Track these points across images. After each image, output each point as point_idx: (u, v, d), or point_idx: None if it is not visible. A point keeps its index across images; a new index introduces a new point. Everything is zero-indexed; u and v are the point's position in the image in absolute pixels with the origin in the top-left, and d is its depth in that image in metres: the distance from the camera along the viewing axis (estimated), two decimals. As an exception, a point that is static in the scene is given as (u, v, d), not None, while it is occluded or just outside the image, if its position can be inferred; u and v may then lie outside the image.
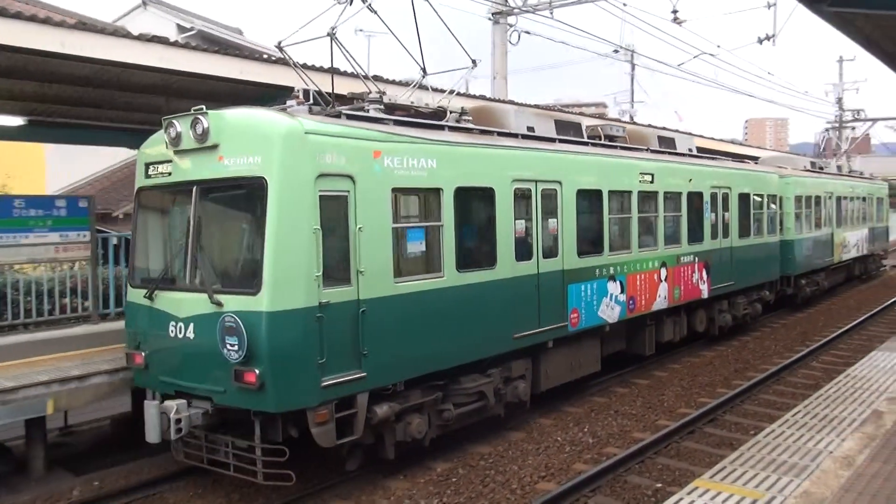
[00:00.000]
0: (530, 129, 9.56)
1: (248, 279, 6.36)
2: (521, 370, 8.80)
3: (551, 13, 14.75)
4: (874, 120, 45.40)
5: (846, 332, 14.81)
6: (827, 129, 46.91)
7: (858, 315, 17.23)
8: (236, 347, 6.13)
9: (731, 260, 14.34)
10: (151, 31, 10.25)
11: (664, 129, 15.31)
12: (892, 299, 19.47)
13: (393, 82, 9.55)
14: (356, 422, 6.69)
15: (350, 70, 8.58)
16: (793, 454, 5.79)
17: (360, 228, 6.58)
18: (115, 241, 9.95)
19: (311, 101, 7.14)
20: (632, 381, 11.02)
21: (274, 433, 6.48)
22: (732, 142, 15.18)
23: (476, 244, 8.07)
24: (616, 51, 29.03)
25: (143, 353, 7.14)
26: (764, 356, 12.70)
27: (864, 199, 25.82)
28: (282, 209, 6.12)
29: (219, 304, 6.32)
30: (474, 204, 8.03)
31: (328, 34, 7.53)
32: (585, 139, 10.47)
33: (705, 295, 13.12)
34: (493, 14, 14.47)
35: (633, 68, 39.59)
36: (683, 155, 13.16)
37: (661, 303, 11.67)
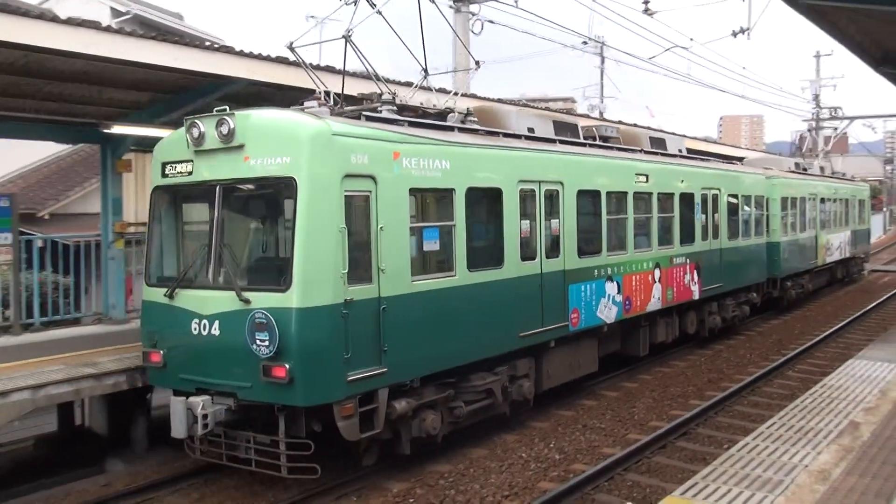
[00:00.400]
0: (531, 129, 10.63)
1: (278, 276, 7.22)
2: (525, 369, 9.84)
3: (516, 2, 14.62)
4: (851, 118, 44.81)
5: (823, 340, 15.73)
6: (810, 130, 48.51)
7: (836, 322, 18.31)
8: (266, 343, 6.97)
9: (721, 262, 15.73)
10: (82, 14, 10.78)
11: (656, 129, 16.61)
12: (870, 305, 20.73)
13: (394, 82, 10.49)
14: (377, 416, 7.59)
15: (349, 70, 9.45)
16: (767, 468, 5.82)
17: (381, 228, 7.50)
18: (40, 243, 9.96)
19: (332, 102, 8.01)
20: (601, 392, 11.30)
21: (297, 428, 7.33)
22: (706, 139, 16.10)
23: (485, 244, 9.08)
24: (585, 42, 29.74)
25: (161, 352, 7.90)
26: (739, 365, 13.43)
27: (846, 200, 27.87)
28: (311, 208, 7.00)
29: (246, 301, 7.15)
30: (484, 204, 9.04)
31: (343, 37, 8.43)
32: (582, 140, 11.57)
33: (696, 296, 14.45)
34: (454, 2, 14.83)
35: (602, 61, 39.83)
36: (675, 156, 14.47)
37: (654, 304, 12.91)
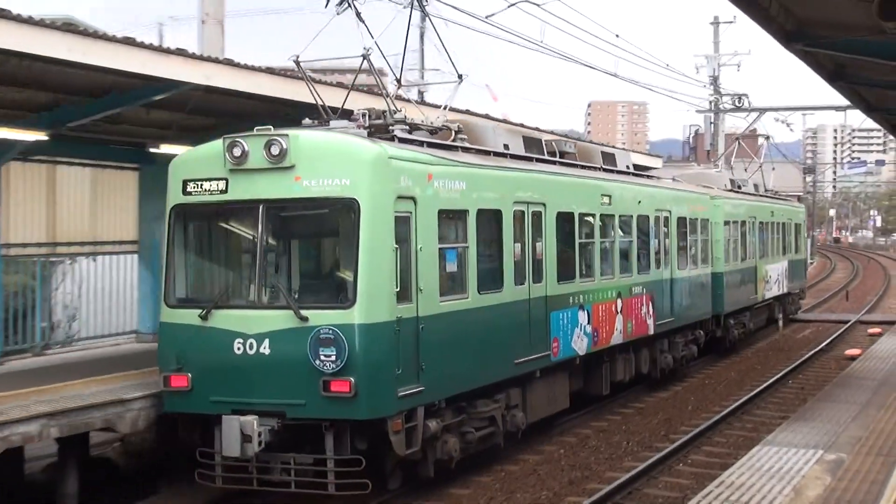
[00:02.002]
0: (506, 146, 15.37)
1: (339, 294, 11.31)
2: (517, 398, 14.47)
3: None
4: (761, 110, 48.25)
5: (724, 418, 17.66)
6: (712, 124, 51.77)
7: (740, 392, 20.76)
8: (333, 357, 10.99)
9: (672, 293, 21.34)
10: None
11: (604, 145, 22.00)
12: (785, 369, 23.49)
13: (372, 92, 14.82)
14: (415, 435, 11.81)
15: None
16: None
17: (420, 248, 11.82)
18: None
19: (369, 123, 12.23)
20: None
21: (342, 447, 11.36)
22: (568, 137, 18.02)
23: (489, 266, 13.67)
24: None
25: (188, 375, 11.60)
26: (611, 459, 14.98)
27: (783, 225, 35.44)
28: (372, 229, 11.18)
29: (304, 318, 11.14)
30: (489, 226, 13.64)
31: (362, 55, 12.72)
32: (547, 156, 16.46)
33: (651, 331, 19.83)
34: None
35: (423, 18, 37.31)
36: (627, 174, 19.83)
37: (617, 337, 18.13)
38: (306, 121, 12.99)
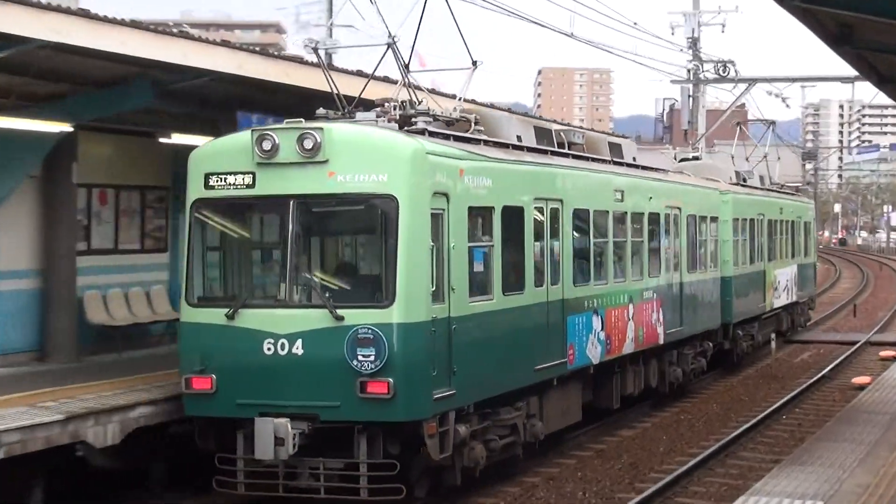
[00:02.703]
0: (519, 138, 17.94)
1: (377, 292, 13.78)
2: (535, 407, 17.06)
3: None
4: (751, 81, 49.36)
5: (705, 461, 17.97)
6: (691, 97, 52.38)
7: (724, 429, 21.29)
8: (372, 358, 13.45)
9: (681, 299, 24.18)
10: None
11: (608, 133, 24.73)
12: (779, 402, 23.99)
13: (386, 80, 17.32)
14: (447, 439, 14.34)
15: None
16: None
17: (452, 246, 14.34)
18: None
19: (395, 113, 14.69)
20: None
21: (374, 451, 13.84)
22: (511, 111, 21.05)
23: (512, 266, 16.23)
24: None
25: (212, 377, 13.98)
26: None
27: (791, 223, 38.64)
28: (411, 226, 13.65)
29: (340, 318, 13.59)
30: (512, 224, 16.23)
31: (388, 43, 15.22)
32: (556, 148, 19.08)
33: (662, 340, 22.60)
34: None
35: None
36: (637, 167, 22.58)
37: (629, 345, 20.88)
38: (321, 111, 15.41)
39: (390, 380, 13.51)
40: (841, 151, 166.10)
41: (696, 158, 33.28)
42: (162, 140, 20.89)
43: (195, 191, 14.52)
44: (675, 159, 30.21)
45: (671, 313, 23.36)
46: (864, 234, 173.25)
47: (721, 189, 28.81)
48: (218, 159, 14.44)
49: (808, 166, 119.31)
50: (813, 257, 43.76)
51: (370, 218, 14.32)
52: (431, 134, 14.96)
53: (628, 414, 22.58)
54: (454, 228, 14.52)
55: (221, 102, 19.07)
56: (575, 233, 18.42)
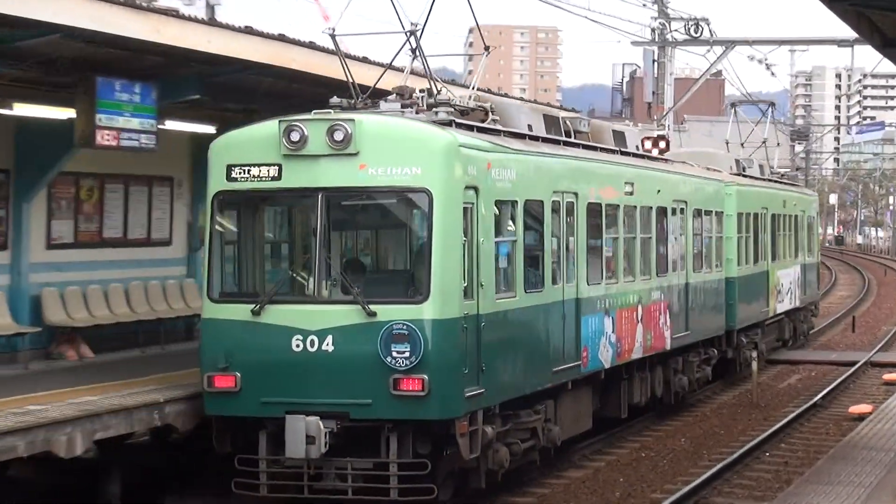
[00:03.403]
0: (530, 127, 21.17)
1: (410, 288, 16.87)
2: (551, 412, 20.26)
3: None
4: (729, 43, 50.08)
5: None
6: (656, 61, 52.06)
7: (693, 470, 21.79)
8: (406, 354, 16.51)
9: (687, 301, 27.59)
10: None
11: (611, 119, 27.97)
12: (762, 435, 24.60)
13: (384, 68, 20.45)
14: (476, 439, 17.47)
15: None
16: None
17: (482, 241, 17.49)
18: None
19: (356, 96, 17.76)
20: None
21: (403, 452, 16.94)
22: (433, 78, 20.65)
23: (533, 263, 19.42)
24: None
25: (236, 374, 16.99)
26: None
27: (795, 218, 42.33)
28: (445, 220, 16.73)
29: (372, 314, 16.66)
30: (533, 218, 19.42)
31: (408, 31, 18.35)
32: (564, 137, 22.35)
33: (668, 345, 25.96)
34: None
35: None
36: (643, 157, 26.03)
37: (637, 350, 24.26)
38: (334, 99, 18.44)
39: (425, 377, 16.57)
40: (838, 130, 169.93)
41: (661, 137, 34.98)
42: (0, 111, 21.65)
43: (216, 182, 17.48)
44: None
45: (677, 316, 26.81)
46: (864, 229, 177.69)
47: (725, 181, 32.34)
48: (241, 150, 17.42)
49: (799, 148, 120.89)
50: (816, 257, 47.62)
51: (403, 212, 17.42)
52: (458, 125, 18.07)
53: (635, 425, 25.90)
54: (483, 223, 17.64)
55: (75, 65, 20.36)
56: (589, 228, 21.65)
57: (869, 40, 18.89)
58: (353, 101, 18.40)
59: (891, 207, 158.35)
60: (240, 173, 17.34)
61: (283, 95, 24.90)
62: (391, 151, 16.99)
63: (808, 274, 44.74)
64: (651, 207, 25.20)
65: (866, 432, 20.77)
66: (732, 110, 45.98)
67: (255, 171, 17.27)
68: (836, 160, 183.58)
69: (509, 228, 18.75)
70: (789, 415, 27.48)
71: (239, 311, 17.19)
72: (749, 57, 56.42)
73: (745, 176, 36.66)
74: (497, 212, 18.27)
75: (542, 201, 19.75)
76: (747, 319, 33.92)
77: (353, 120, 16.98)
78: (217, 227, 17.61)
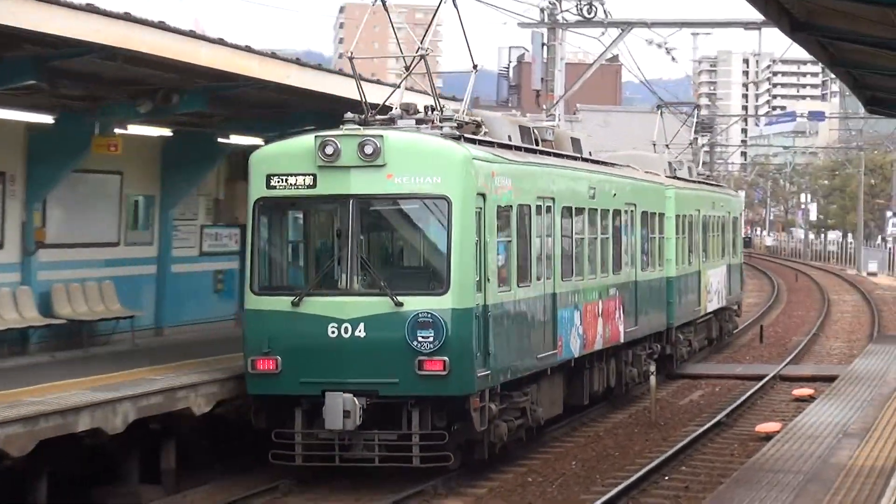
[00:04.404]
0: (510, 137, 26.77)
1: (433, 281, 22.37)
2: (535, 395, 25.85)
3: None
4: (625, 25, 51.93)
5: None
6: (545, 45, 56.14)
7: (587, 496, 22.96)
8: (431, 339, 21.93)
9: (636, 298, 33.46)
10: None
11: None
12: (660, 457, 25.70)
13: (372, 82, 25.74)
14: (485, 414, 23.00)
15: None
16: None
17: (488, 241, 23.07)
18: None
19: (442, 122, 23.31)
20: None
21: (423, 424, 22.43)
22: (298, 63, 28.32)
23: (523, 260, 25.03)
24: None
25: (277, 358, 22.34)
26: None
27: (722, 219, 48.53)
28: (462, 223, 22.22)
29: (400, 304, 22.11)
30: (523, 221, 25.04)
31: (420, 55, 23.81)
32: (534, 145, 28.00)
33: (622, 338, 31.81)
34: None
35: None
36: (598, 163, 31.85)
37: (599, 341, 30.03)
38: (348, 115, 23.67)
39: (446, 358, 21.85)
40: (745, 121, 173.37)
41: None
42: None
43: (257, 190, 22.70)
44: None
45: (629, 312, 32.58)
46: (791, 230, 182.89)
47: (665, 183, 38.32)
48: (279, 161, 22.66)
49: (702, 141, 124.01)
50: (740, 257, 54.04)
51: (425, 215, 22.71)
52: (466, 140, 23.47)
53: (591, 412, 31.43)
54: (488, 225, 22.98)
55: None
56: (563, 229, 27.21)
57: (777, 23, 19.20)
58: (364, 117, 23.68)
59: (802, 206, 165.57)
60: (278, 182, 22.56)
61: (133, 82, 26.83)
62: (415, 163, 22.30)
63: (733, 274, 51.11)
64: (608, 210, 30.89)
65: (773, 453, 21.78)
66: (659, 112, 52.04)
67: (292, 180, 22.50)
68: (744, 154, 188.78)
69: (506, 230, 24.17)
70: (691, 434, 28.82)
71: (279, 303, 22.42)
72: (647, 41, 55.56)
73: (678, 178, 42.58)
74: (498, 215, 23.70)
75: (530, 205, 25.21)
76: (683, 317, 39.93)
77: (381, 136, 22.26)
78: (257, 229, 22.82)
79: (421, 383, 22.11)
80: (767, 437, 26.19)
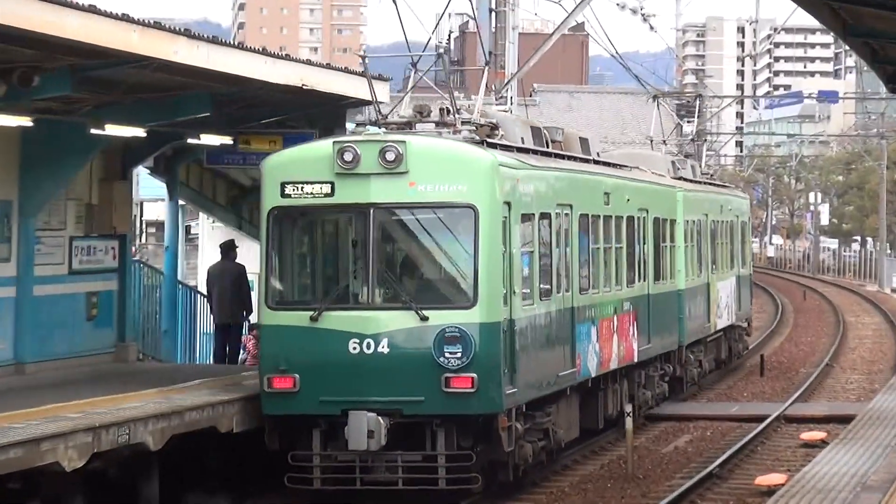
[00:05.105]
0: (522, 139, 31.35)
1: (459, 294, 26.83)
2: (556, 415, 30.43)
3: None
4: None
5: None
6: (493, 10, 55.79)
7: None
8: (458, 355, 26.30)
9: (649, 312, 38.07)
10: None
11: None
12: None
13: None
14: (512, 434, 27.51)
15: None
16: None
17: (513, 251, 27.63)
18: None
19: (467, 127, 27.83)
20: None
21: (448, 444, 26.93)
22: (187, 34, 27.51)
23: (545, 272, 29.58)
24: None
25: (294, 376, 26.74)
26: None
27: (731, 224, 53.12)
28: (489, 232, 26.55)
29: (425, 318, 26.60)
30: (544, 230, 29.57)
31: (438, 54, 28.38)
32: (546, 147, 32.62)
33: (636, 357, 36.42)
34: None
35: None
36: (607, 164, 36.52)
37: (614, 360, 34.67)
38: (359, 117, 28.11)
39: (474, 375, 25.94)
40: (740, 104, 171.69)
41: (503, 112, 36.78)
42: None
43: (271, 199, 26.80)
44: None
45: (642, 329, 37.18)
46: (777, 239, 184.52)
47: (674, 186, 43.04)
48: (294, 168, 26.80)
49: (687, 126, 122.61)
50: (749, 267, 58.94)
51: (450, 225, 26.83)
52: (489, 145, 27.89)
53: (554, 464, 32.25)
54: (513, 234, 27.22)
55: None
56: (580, 238, 31.68)
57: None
58: (376, 120, 28.01)
59: (811, 208, 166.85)
60: (293, 190, 26.69)
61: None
62: (439, 170, 26.46)
63: (742, 287, 55.85)
64: (622, 217, 35.45)
65: (777, 513, 21.68)
66: (655, 103, 56.21)
67: (308, 188, 26.63)
68: (739, 144, 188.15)
69: (529, 240, 28.54)
70: (676, 490, 29.19)
71: (297, 318, 26.56)
72: (620, 4, 59.60)
73: (683, 179, 47.07)
74: (522, 224, 28.12)
75: (550, 213, 29.65)
76: (694, 335, 44.56)
77: (403, 141, 26.43)
78: (272, 240, 27.02)
79: (447, 401, 26.22)
80: (770, 491, 27.17)
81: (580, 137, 35.93)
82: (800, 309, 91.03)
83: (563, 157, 32.66)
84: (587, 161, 34.69)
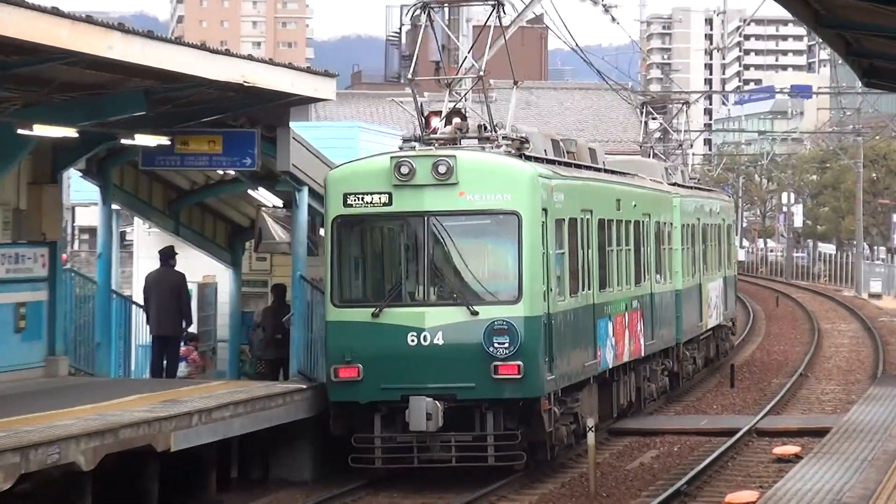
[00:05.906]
0: (545, 151, 37.64)
1: (507, 291, 33.06)
2: (583, 401, 36.67)
3: None
4: None
5: None
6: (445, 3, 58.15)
7: None
8: (506, 345, 32.36)
9: (652, 311, 44.72)
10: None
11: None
12: None
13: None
14: (551, 416, 33.70)
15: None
16: None
17: (550, 253, 33.89)
18: None
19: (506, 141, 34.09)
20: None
21: (496, 426, 33.13)
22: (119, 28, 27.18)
23: (573, 271, 35.95)
24: None
25: (358, 366, 32.87)
26: None
27: (718, 227, 59.74)
28: (531, 236, 32.76)
29: (475, 313, 32.77)
30: (572, 233, 35.95)
31: (479, 76, 34.58)
32: (564, 158, 38.98)
33: (643, 352, 43.07)
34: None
35: None
36: (614, 172, 43.02)
37: (626, 353, 41.31)
38: (406, 133, 34.02)
39: (520, 363, 31.90)
40: (708, 99, 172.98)
41: (456, 112, 37.45)
42: None
43: (335, 208, 32.81)
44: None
45: (648, 325, 43.72)
46: (745, 242, 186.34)
47: (671, 192, 49.58)
48: (355, 181, 32.81)
49: (653, 124, 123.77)
50: (735, 269, 65.96)
51: (496, 230, 32.87)
52: (527, 158, 33.96)
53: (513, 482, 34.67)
54: (550, 237, 33.29)
55: None
56: (599, 241, 37.96)
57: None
58: (420, 137, 33.92)
59: (784, 209, 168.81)
60: (355, 200, 32.68)
61: None
62: (486, 181, 32.46)
63: (729, 288, 62.57)
64: (630, 221, 41.92)
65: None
66: (644, 110, 62.48)
67: (368, 198, 32.62)
68: (707, 141, 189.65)
69: (560, 242, 34.61)
70: None
71: (360, 314, 32.54)
72: None
73: (676, 185, 53.56)
74: (556, 228, 34.19)
75: (576, 219, 35.87)
76: (689, 333, 51.03)
77: (454, 156, 32.43)
78: (336, 245, 33.02)
79: (496, 387, 32.20)
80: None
81: (589, 148, 42.27)
82: (771, 316, 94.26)
83: (580, 166, 39.02)
84: (599, 170, 41.11)
